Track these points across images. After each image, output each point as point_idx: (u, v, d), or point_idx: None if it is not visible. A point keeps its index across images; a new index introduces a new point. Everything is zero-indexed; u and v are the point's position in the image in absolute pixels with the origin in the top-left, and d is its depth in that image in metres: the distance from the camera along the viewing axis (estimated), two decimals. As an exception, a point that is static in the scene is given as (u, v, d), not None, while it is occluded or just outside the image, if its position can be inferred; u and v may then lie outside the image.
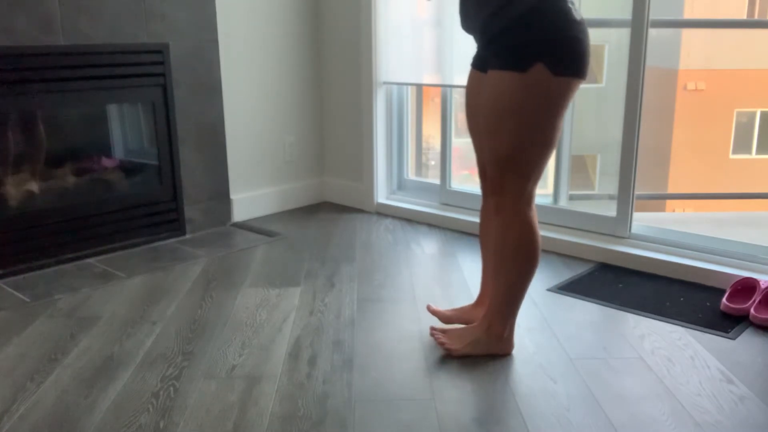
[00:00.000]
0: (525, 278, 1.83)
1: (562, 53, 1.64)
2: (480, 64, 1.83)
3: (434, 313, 2.07)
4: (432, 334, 1.92)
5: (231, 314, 2.19)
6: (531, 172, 1.74)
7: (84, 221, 2.70)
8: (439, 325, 2.05)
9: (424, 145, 3.56)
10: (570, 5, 1.65)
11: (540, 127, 1.69)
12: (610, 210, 2.69)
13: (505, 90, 1.68)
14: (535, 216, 1.80)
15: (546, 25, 1.63)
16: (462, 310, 2.08)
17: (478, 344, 1.88)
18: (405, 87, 3.35)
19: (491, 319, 1.87)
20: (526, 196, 1.77)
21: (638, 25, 2.46)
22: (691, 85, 9.15)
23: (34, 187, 2.61)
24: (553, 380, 1.77)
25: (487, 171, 1.81)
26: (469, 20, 1.76)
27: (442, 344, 1.89)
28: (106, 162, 2.89)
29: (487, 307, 1.89)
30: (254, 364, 1.86)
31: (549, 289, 2.39)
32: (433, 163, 3.75)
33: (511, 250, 1.79)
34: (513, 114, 1.68)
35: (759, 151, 9.30)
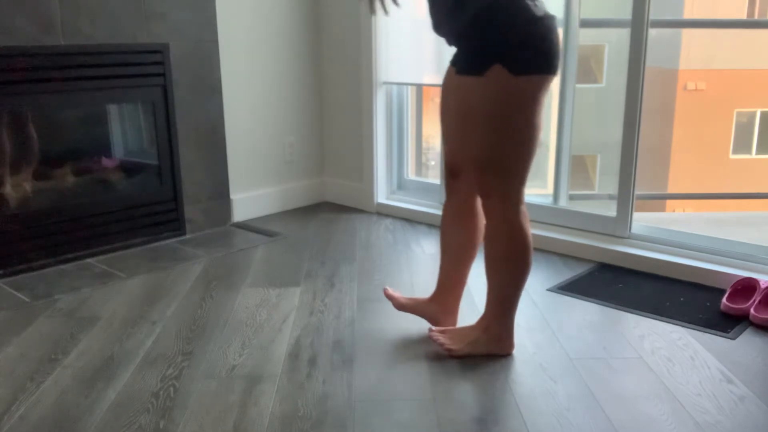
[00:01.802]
0: (518, 281, 1.83)
1: (519, 52, 1.62)
2: (453, 62, 1.83)
3: (390, 297, 2.07)
4: (430, 336, 1.92)
5: (231, 314, 2.19)
6: (512, 173, 1.73)
7: (84, 221, 2.70)
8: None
9: (424, 145, 3.56)
10: (529, 2, 1.62)
11: (512, 128, 1.68)
12: (610, 210, 2.69)
13: (468, 95, 1.68)
14: (526, 218, 1.80)
15: (501, 24, 1.61)
16: (416, 301, 2.08)
17: (477, 344, 1.88)
18: (405, 87, 3.35)
19: (489, 320, 1.88)
20: (514, 198, 1.76)
21: (638, 25, 2.46)
22: (691, 85, 9.15)
23: (27, 187, 2.61)
24: (553, 380, 1.77)
25: (472, 175, 1.81)
26: (435, 23, 1.76)
27: (441, 345, 1.88)
28: (106, 162, 2.89)
29: (485, 307, 1.89)
30: (254, 364, 1.86)
31: (549, 289, 2.39)
32: (433, 163, 3.76)
33: (502, 255, 1.80)
34: (481, 118, 1.68)
35: (759, 151, 9.30)
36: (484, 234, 1.83)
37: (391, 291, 2.09)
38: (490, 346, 1.88)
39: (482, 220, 1.93)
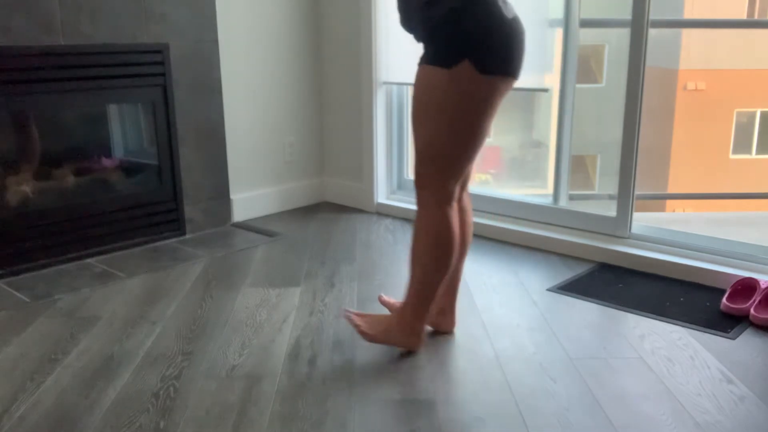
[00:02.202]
0: (435, 275, 1.83)
1: (488, 52, 1.63)
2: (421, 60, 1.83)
3: (385, 304, 2.07)
4: (345, 316, 1.90)
5: (231, 314, 2.19)
6: (452, 168, 1.75)
7: (84, 221, 2.70)
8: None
9: (424, 145, 3.56)
10: (501, 4, 1.64)
11: (462, 124, 1.70)
12: (610, 210, 2.69)
13: (431, 85, 1.69)
14: (455, 215, 1.81)
15: (473, 23, 1.62)
16: None
17: (390, 333, 1.89)
18: (405, 87, 3.35)
19: (404, 310, 1.88)
20: (447, 193, 1.77)
21: (638, 25, 2.46)
22: (691, 85, 9.14)
23: (27, 188, 2.60)
24: (553, 380, 1.77)
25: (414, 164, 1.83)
26: (404, 18, 1.77)
27: (356, 326, 1.88)
28: (106, 162, 2.89)
29: (404, 298, 1.91)
30: (254, 364, 1.86)
31: (549, 289, 2.39)
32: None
33: (424, 246, 1.81)
34: (436, 109, 1.69)
35: (759, 151, 9.30)
36: (414, 224, 1.84)
37: (386, 298, 2.09)
38: (401, 338, 1.89)
39: (470, 216, 1.95)
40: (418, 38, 1.75)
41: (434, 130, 1.71)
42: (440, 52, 1.67)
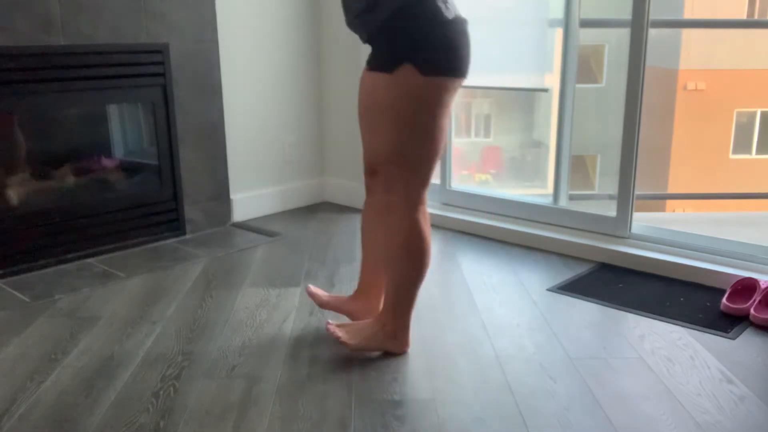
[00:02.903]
0: (413, 280, 1.84)
1: (430, 53, 1.64)
2: (368, 61, 1.84)
3: (312, 295, 2.07)
4: (327, 328, 1.90)
5: (231, 314, 2.19)
6: (415, 172, 1.76)
7: (84, 221, 2.70)
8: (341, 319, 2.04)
9: (424, 145, 3.56)
10: (440, 5, 1.64)
11: (417, 127, 1.70)
12: (610, 210, 2.69)
13: (376, 91, 1.71)
14: (425, 219, 1.82)
15: (413, 25, 1.64)
16: (338, 299, 2.09)
17: (373, 339, 1.89)
18: (405, 87, 3.34)
19: (385, 317, 1.89)
20: (415, 198, 1.78)
21: (638, 25, 2.46)
22: (691, 85, 9.14)
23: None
24: (553, 380, 1.77)
25: (378, 170, 1.82)
26: (349, 20, 1.78)
27: (338, 338, 1.88)
28: (106, 162, 2.89)
29: (382, 304, 1.91)
30: (254, 364, 1.86)
31: (549, 289, 2.39)
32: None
33: (397, 252, 1.81)
34: (387, 115, 1.70)
35: (759, 151, 9.30)
36: (384, 230, 1.84)
37: (313, 289, 2.09)
38: (385, 343, 1.89)
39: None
40: (364, 41, 1.77)
41: (390, 136, 1.73)
42: (381, 57, 1.69)
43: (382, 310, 1.91)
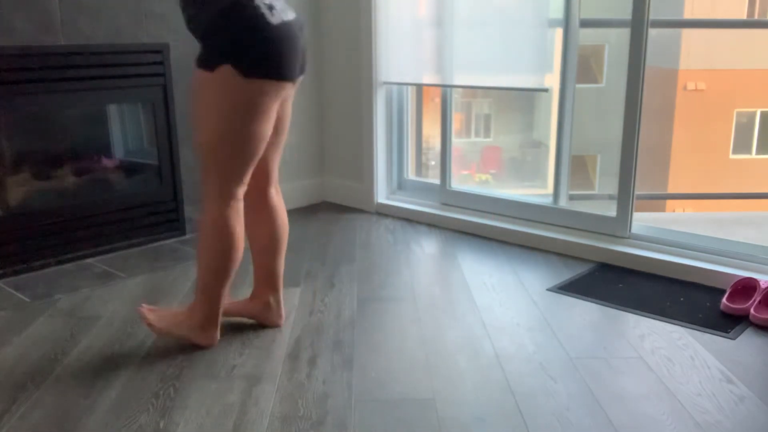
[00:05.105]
0: (217, 274, 1.86)
1: (248, 56, 1.68)
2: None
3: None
4: (138, 309, 1.94)
5: (231, 314, 2.19)
6: (226, 170, 1.80)
7: (84, 221, 2.70)
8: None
9: (424, 145, 3.56)
10: (264, 11, 1.67)
11: (231, 127, 1.74)
12: (610, 210, 2.69)
13: (198, 88, 1.75)
14: (237, 215, 1.84)
15: (234, 28, 1.67)
16: (237, 303, 2.13)
17: (179, 326, 1.92)
18: (405, 87, 3.35)
19: (194, 307, 1.92)
20: (226, 194, 1.81)
21: (638, 25, 2.46)
22: (691, 85, 9.15)
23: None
24: (553, 380, 1.77)
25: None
26: (185, 20, 1.80)
27: (144, 319, 1.90)
28: (106, 162, 2.89)
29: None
30: (254, 364, 1.86)
31: (549, 289, 2.39)
32: (433, 163, 3.75)
33: (204, 245, 1.85)
34: (205, 111, 1.75)
35: (759, 151, 9.30)
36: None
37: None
38: (191, 333, 1.92)
39: (280, 216, 2.02)
40: (198, 39, 1.80)
41: (208, 132, 1.77)
42: (204, 56, 1.73)
43: (192, 302, 1.94)
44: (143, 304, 1.97)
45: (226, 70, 1.69)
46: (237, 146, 1.77)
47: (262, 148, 1.82)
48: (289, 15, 1.74)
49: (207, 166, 1.81)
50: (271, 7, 1.69)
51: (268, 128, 1.80)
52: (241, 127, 1.74)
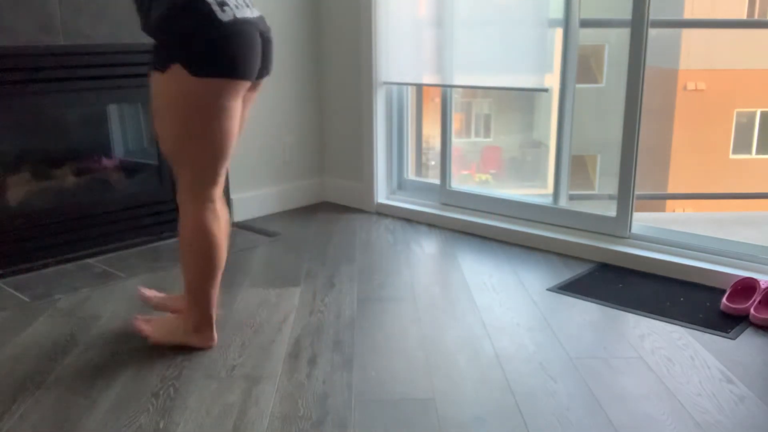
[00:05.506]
0: (204, 276, 1.86)
1: (197, 54, 1.65)
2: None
3: (147, 299, 2.12)
4: (134, 323, 1.96)
5: (231, 314, 2.19)
6: (197, 172, 1.79)
7: (84, 221, 2.70)
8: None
9: (424, 145, 3.56)
10: (215, 8, 1.64)
11: (193, 127, 1.73)
12: (610, 210, 2.69)
13: (155, 90, 1.74)
14: (214, 216, 1.83)
15: (181, 26, 1.65)
16: (170, 298, 2.14)
17: (176, 333, 1.93)
18: (405, 87, 3.35)
19: (187, 312, 1.93)
20: (201, 196, 1.81)
21: (638, 25, 2.46)
22: (691, 85, 9.15)
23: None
24: (553, 380, 1.77)
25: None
26: (140, 21, 1.80)
27: (141, 331, 1.92)
28: (106, 162, 2.89)
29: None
30: (254, 364, 1.86)
31: (549, 289, 2.39)
32: (433, 163, 3.76)
33: (186, 249, 1.85)
34: (165, 113, 1.74)
35: (759, 151, 9.30)
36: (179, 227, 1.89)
37: (147, 293, 2.12)
38: (188, 337, 1.93)
39: (225, 223, 1.94)
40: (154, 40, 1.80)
41: (169, 136, 1.76)
42: (155, 57, 1.72)
43: (185, 307, 1.94)
44: (138, 316, 1.98)
45: (176, 70, 1.66)
46: (201, 147, 1.75)
47: (231, 146, 1.79)
48: (246, 13, 1.70)
49: (177, 170, 1.81)
50: (222, 4, 1.65)
51: (232, 125, 1.76)
52: (201, 127, 1.72)
